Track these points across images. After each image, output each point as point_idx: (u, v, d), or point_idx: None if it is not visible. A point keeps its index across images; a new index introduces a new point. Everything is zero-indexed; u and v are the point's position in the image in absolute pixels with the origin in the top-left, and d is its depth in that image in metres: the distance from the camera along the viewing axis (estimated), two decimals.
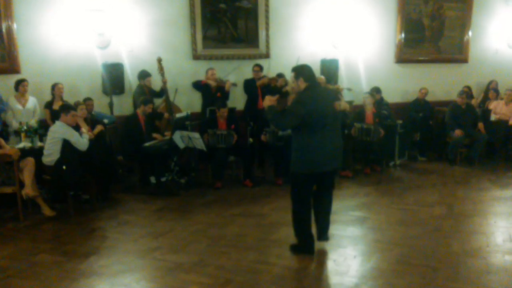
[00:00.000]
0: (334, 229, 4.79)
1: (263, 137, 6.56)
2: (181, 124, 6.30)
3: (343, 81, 8.32)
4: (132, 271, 3.94)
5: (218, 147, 6.39)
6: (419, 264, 3.98)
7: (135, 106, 6.89)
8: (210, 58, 7.75)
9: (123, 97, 7.36)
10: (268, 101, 3.99)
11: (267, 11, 7.93)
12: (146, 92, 6.94)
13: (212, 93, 7.21)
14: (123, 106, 7.36)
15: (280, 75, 7.62)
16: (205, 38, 7.71)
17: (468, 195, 6.00)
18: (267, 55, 8.01)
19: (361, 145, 7.01)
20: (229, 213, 5.40)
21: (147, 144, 6.21)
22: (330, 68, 8.18)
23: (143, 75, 7.06)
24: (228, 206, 5.68)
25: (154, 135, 6.43)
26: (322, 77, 7.70)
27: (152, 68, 7.05)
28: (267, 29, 7.99)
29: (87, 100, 6.64)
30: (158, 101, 7.18)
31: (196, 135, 6.02)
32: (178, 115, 6.44)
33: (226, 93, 7.27)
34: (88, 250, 4.41)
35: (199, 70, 7.58)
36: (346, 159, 6.94)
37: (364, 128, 6.92)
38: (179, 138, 6.19)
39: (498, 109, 8.08)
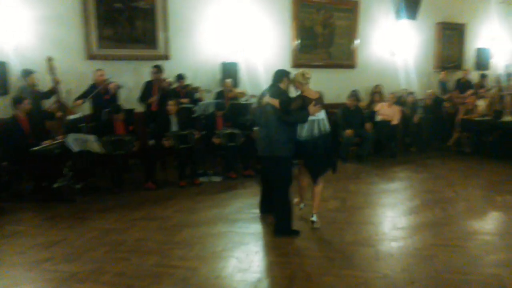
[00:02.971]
0: (237, 227, 4.89)
1: (165, 142, 6.43)
2: (74, 127, 5.93)
3: (245, 84, 8.47)
4: (19, 285, 3.62)
5: (116, 153, 6.12)
6: (316, 256, 4.19)
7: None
8: (106, 58, 7.42)
9: (8, 99, 6.72)
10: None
11: (165, 12, 7.81)
12: (31, 92, 6.41)
13: (100, 95, 6.88)
14: (8, 108, 6.72)
15: (180, 77, 7.57)
16: (101, 37, 7.37)
17: (359, 189, 6.47)
18: (167, 57, 7.89)
19: None
20: (129, 218, 5.20)
21: (35, 148, 5.73)
22: (230, 71, 8.29)
23: (25, 73, 6.52)
24: (129, 210, 5.48)
25: (44, 142, 5.96)
26: (229, 80, 7.79)
27: (42, 68, 6.55)
28: (166, 31, 7.86)
29: None
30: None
31: (92, 137, 5.72)
32: (71, 117, 6.06)
33: (113, 95, 6.99)
34: None
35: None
36: (248, 159, 7.11)
37: None
38: (73, 141, 5.82)
39: (383, 111, 8.84)
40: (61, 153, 5.81)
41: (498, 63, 11.99)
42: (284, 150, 4.60)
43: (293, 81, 4.79)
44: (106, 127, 6.26)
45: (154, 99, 7.12)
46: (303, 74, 4.77)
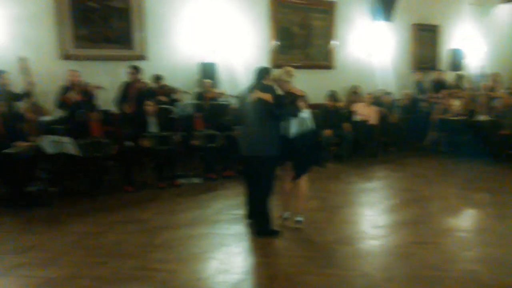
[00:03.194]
0: (218, 229, 4.85)
1: (144, 142, 6.34)
2: (50, 129, 5.80)
3: (223, 85, 8.43)
4: None
5: (93, 155, 6.01)
6: (296, 255, 4.18)
7: None
8: (81, 58, 7.26)
9: None
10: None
11: (141, 12, 7.71)
12: (3, 93, 6.23)
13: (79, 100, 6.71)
14: None
15: (158, 77, 7.49)
16: (76, 37, 7.22)
17: (339, 189, 6.52)
18: (143, 57, 7.78)
19: None
20: (107, 221, 5.11)
21: (7, 150, 5.57)
22: (208, 72, 8.24)
23: None
24: (106, 213, 5.38)
25: (17, 144, 5.80)
26: (207, 81, 7.75)
27: (15, 69, 6.37)
28: (142, 31, 7.77)
29: None
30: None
31: (67, 139, 5.60)
32: (46, 119, 5.92)
33: (90, 96, 6.85)
34: None
35: None
36: (228, 160, 7.08)
37: None
38: (48, 143, 5.68)
39: (361, 111, 8.93)
40: (35, 155, 5.67)
41: (471, 64, 12.26)
42: (272, 149, 4.52)
43: (277, 79, 4.70)
44: (81, 129, 6.13)
45: (128, 108, 6.96)
46: (287, 72, 4.70)
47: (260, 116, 4.48)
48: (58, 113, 6.61)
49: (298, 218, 4.86)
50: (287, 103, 4.54)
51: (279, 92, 4.64)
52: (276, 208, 4.89)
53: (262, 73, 4.69)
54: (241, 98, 4.78)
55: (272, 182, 4.66)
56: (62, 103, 6.58)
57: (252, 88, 4.62)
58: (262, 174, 4.59)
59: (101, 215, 5.31)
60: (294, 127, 4.65)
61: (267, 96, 4.43)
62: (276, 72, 4.79)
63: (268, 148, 4.52)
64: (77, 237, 4.62)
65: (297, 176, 4.83)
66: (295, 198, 4.88)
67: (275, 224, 4.77)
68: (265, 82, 4.64)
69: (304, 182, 4.84)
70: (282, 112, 4.49)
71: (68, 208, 5.62)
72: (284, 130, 4.61)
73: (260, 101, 4.44)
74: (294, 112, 4.58)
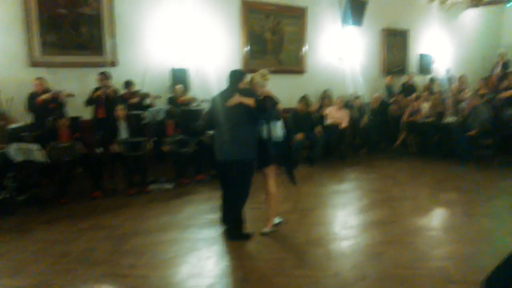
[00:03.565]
0: (189, 233, 4.83)
1: (115, 147, 6.27)
2: (17, 136, 5.67)
3: (195, 90, 8.41)
4: None
5: (62, 161, 5.90)
6: (268, 258, 4.19)
7: None
8: (50, 65, 7.15)
9: None
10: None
11: (112, 18, 7.65)
12: None
13: (46, 105, 6.60)
14: None
15: (129, 83, 7.43)
16: (44, 44, 7.10)
17: (310, 191, 6.57)
18: (114, 63, 7.71)
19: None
20: (75, 228, 5.01)
21: None
22: (180, 77, 8.21)
23: None
24: (76, 220, 5.28)
25: None
26: (179, 86, 7.73)
27: None
28: (113, 37, 7.70)
29: None
30: None
31: (35, 146, 5.48)
32: (13, 126, 5.79)
33: (61, 103, 6.74)
34: None
35: None
36: (200, 164, 7.06)
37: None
38: (15, 151, 5.55)
39: (332, 114, 9.04)
40: (2, 164, 5.53)
41: (440, 68, 12.59)
42: (252, 152, 4.51)
43: (252, 83, 4.68)
44: (50, 135, 6.02)
45: (99, 113, 6.90)
46: (263, 75, 4.68)
47: (240, 120, 4.44)
48: (27, 120, 6.47)
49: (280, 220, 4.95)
50: (270, 106, 4.54)
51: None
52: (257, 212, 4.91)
53: (237, 77, 4.62)
54: (215, 102, 4.69)
55: (250, 186, 4.63)
56: (32, 105, 6.49)
57: (228, 92, 4.55)
58: (240, 178, 4.54)
59: (70, 222, 5.21)
60: (279, 130, 4.65)
61: (250, 101, 4.40)
62: (251, 76, 4.75)
63: (247, 152, 4.48)
64: (45, 245, 4.52)
65: (291, 180, 4.85)
66: (268, 203, 4.85)
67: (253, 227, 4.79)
68: (241, 86, 4.60)
69: (273, 186, 4.78)
70: (266, 116, 4.50)
71: (36, 215, 5.49)
72: (269, 134, 4.58)
73: (242, 105, 4.41)
74: (276, 115, 4.61)
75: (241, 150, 4.46)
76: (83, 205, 5.88)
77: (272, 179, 4.76)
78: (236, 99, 4.42)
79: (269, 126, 4.59)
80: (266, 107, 4.46)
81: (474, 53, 13.60)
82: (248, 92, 4.54)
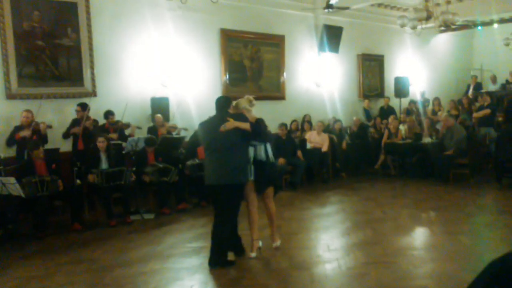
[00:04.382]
0: (171, 263, 4.75)
1: (90, 177, 6.20)
2: None
3: (176, 118, 8.43)
4: None
5: (38, 195, 5.77)
6: (251, 284, 4.14)
7: None
8: (27, 97, 7.10)
9: None
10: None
11: (91, 49, 7.68)
12: None
13: (28, 138, 6.52)
14: None
15: (109, 113, 7.40)
16: (20, 76, 7.07)
17: (293, 215, 6.56)
18: (93, 94, 7.69)
19: (196, 179, 7.11)
20: (54, 263, 4.88)
21: None
22: (160, 106, 8.23)
23: None
24: (54, 255, 5.15)
25: None
26: (159, 115, 7.76)
27: None
28: (92, 67, 7.71)
29: None
30: None
31: (11, 180, 5.38)
32: None
33: (43, 135, 6.68)
34: None
35: (14, 111, 6.85)
36: (182, 193, 7.00)
37: (197, 164, 7.07)
38: None
39: (312, 138, 9.14)
40: None
41: (416, 90, 12.88)
42: (244, 176, 4.57)
43: (238, 108, 4.73)
44: (27, 168, 5.91)
45: (77, 129, 6.85)
46: (249, 100, 4.77)
47: (233, 144, 4.49)
48: (2, 154, 6.38)
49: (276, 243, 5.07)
50: (264, 129, 4.68)
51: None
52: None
53: (226, 102, 4.72)
54: (204, 128, 4.74)
55: (238, 211, 4.65)
56: (12, 140, 6.41)
57: (218, 119, 4.61)
58: (232, 201, 4.56)
59: (48, 257, 5.08)
60: (271, 152, 4.81)
61: (246, 125, 4.48)
62: (236, 102, 4.79)
63: (239, 175, 4.53)
64: (21, 282, 4.38)
65: (274, 194, 5.01)
66: (271, 222, 5.06)
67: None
68: (230, 111, 4.67)
69: (274, 205, 5.02)
70: (263, 138, 4.62)
71: (13, 251, 5.34)
72: (261, 155, 4.70)
73: (235, 130, 4.46)
74: (270, 138, 4.79)
75: (234, 174, 4.51)
76: (62, 239, 5.75)
77: (271, 199, 4.96)
78: (232, 124, 4.47)
79: (265, 148, 4.73)
80: (261, 130, 4.58)
81: (448, 76, 14.02)
82: (241, 117, 4.59)
